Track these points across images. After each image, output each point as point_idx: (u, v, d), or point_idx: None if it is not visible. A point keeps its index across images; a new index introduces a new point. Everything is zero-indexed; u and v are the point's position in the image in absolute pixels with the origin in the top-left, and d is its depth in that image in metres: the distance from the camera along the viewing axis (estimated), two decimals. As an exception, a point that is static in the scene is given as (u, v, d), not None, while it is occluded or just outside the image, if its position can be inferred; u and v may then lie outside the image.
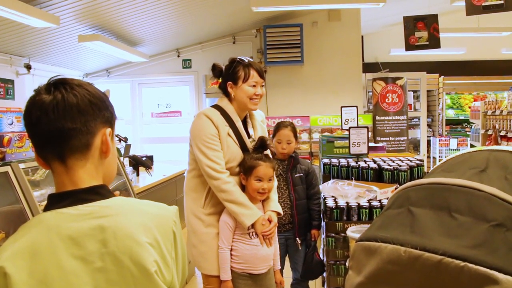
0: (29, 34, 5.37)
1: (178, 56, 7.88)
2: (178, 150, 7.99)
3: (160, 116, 8.24)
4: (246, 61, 2.60)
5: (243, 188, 2.60)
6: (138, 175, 3.54)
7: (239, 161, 2.58)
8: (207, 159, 2.48)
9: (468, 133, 10.23)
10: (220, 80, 2.65)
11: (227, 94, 2.62)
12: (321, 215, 3.39)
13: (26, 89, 6.32)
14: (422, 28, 5.52)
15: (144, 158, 3.85)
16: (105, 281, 1.01)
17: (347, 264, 2.83)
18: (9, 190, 2.08)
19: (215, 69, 2.65)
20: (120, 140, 5.29)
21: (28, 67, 6.25)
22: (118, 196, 1.13)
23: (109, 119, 1.14)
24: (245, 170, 2.55)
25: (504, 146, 1.51)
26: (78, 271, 0.99)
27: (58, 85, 1.06)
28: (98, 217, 1.03)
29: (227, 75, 2.60)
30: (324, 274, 3.37)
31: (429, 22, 5.49)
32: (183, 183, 4.80)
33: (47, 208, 1.07)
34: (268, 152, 2.63)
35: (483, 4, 3.93)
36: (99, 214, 1.04)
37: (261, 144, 2.60)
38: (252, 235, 2.55)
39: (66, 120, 1.04)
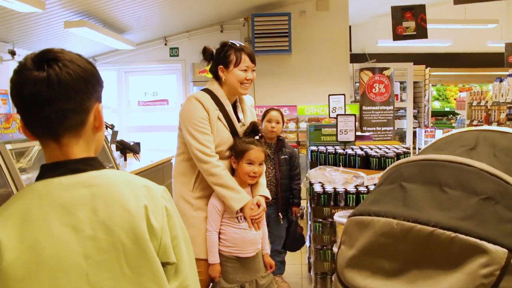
0: (14, 19, 5.27)
1: (166, 44, 7.82)
2: (165, 138, 7.95)
3: (147, 105, 8.18)
4: (238, 45, 2.59)
5: (233, 172, 2.61)
6: (125, 160, 3.52)
7: (229, 145, 2.58)
8: (197, 143, 2.47)
9: (453, 124, 10.35)
10: (211, 64, 2.63)
11: (217, 78, 2.61)
12: (309, 200, 3.46)
13: (10, 75, 6.21)
14: (409, 18, 5.55)
15: (132, 143, 3.82)
16: (95, 249, 1.00)
17: (334, 249, 2.85)
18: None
19: (206, 52, 2.63)
20: (106, 127, 5.25)
21: (13, 53, 6.14)
22: (109, 169, 1.12)
23: (100, 93, 1.13)
24: (236, 154, 2.56)
25: (493, 126, 1.54)
26: (68, 239, 0.99)
27: (50, 61, 1.02)
28: (89, 185, 1.04)
29: (218, 59, 2.59)
30: (307, 243, 3.71)
31: (417, 12, 5.52)
32: (170, 169, 4.79)
33: (39, 178, 1.06)
34: (257, 137, 2.64)
35: (471, -7, 3.96)
36: (90, 183, 1.04)
37: (253, 129, 2.62)
38: (241, 219, 2.56)
39: (62, 100, 1.02)
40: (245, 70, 2.56)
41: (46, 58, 1.03)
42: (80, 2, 5.20)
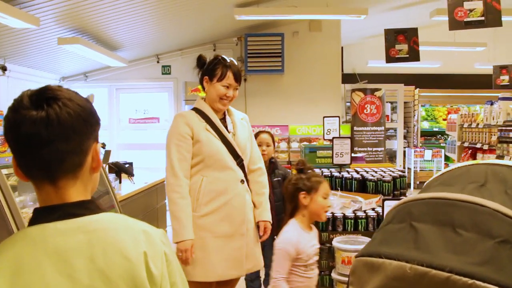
0: (6, 34, 5.24)
1: (158, 62, 7.82)
2: (155, 157, 7.89)
3: (138, 122, 8.14)
4: (228, 61, 2.65)
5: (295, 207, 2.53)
6: (120, 182, 3.48)
7: (225, 154, 2.60)
8: (173, 158, 2.52)
9: (442, 144, 10.45)
10: (200, 73, 2.71)
11: (203, 88, 2.70)
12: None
13: (1, 91, 6.15)
14: (402, 41, 5.61)
15: (127, 165, 3.79)
16: None
17: (332, 275, 2.83)
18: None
19: (200, 60, 2.71)
20: (98, 145, 5.20)
21: (4, 68, 6.09)
22: (106, 212, 1.06)
23: (98, 132, 1.08)
24: (307, 189, 2.42)
25: (501, 160, 1.53)
26: None
27: (49, 100, 0.97)
28: (86, 231, 0.98)
29: (206, 70, 2.66)
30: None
31: (409, 35, 5.59)
32: (163, 191, 4.75)
33: (32, 222, 1.00)
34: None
35: (465, 20, 4.02)
36: (88, 228, 0.98)
37: (303, 165, 2.61)
38: (309, 267, 2.43)
39: (61, 141, 0.97)
40: (227, 87, 2.61)
41: (45, 97, 0.97)
42: (74, 19, 5.19)
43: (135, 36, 6.60)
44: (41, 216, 1.00)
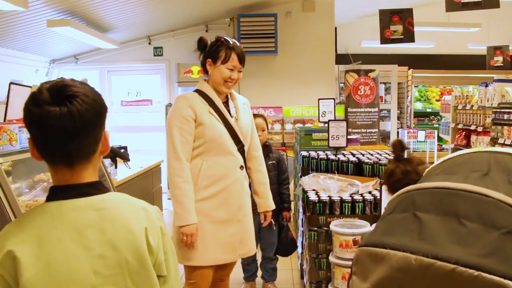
0: (-6, 17, 5.13)
1: (149, 43, 7.71)
2: (149, 139, 7.86)
3: (130, 105, 8.06)
4: (231, 43, 2.60)
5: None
6: (116, 167, 3.45)
7: (227, 138, 2.57)
8: (176, 141, 2.49)
9: (435, 125, 10.47)
10: (202, 56, 2.66)
11: (205, 70, 2.66)
12: (303, 208, 3.43)
13: (-11, 75, 6.05)
14: (397, 22, 5.57)
15: (122, 151, 3.75)
16: (103, 266, 1.12)
17: (330, 258, 2.84)
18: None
19: (201, 42, 2.65)
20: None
21: (-8, 51, 5.98)
22: (111, 192, 1.24)
23: (105, 121, 1.23)
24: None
25: (502, 148, 1.52)
26: (80, 257, 1.11)
27: (70, 98, 1.10)
28: (97, 209, 1.15)
29: (209, 52, 2.61)
30: (299, 250, 3.77)
31: (404, 16, 5.55)
32: (159, 175, 4.74)
33: (50, 199, 1.16)
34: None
35: (462, 1, 3.99)
36: (99, 206, 1.15)
37: (401, 146, 2.46)
38: None
39: (82, 135, 1.13)
40: (232, 69, 2.57)
41: (65, 94, 1.11)
42: (63, 0, 5.08)
43: (126, 17, 6.48)
44: (58, 193, 1.16)
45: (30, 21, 5.50)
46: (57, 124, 1.09)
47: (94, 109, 1.14)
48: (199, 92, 2.62)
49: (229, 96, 2.73)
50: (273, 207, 2.90)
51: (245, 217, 2.70)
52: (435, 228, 1.16)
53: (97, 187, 1.20)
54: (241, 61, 2.61)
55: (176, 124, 2.50)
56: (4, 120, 2.70)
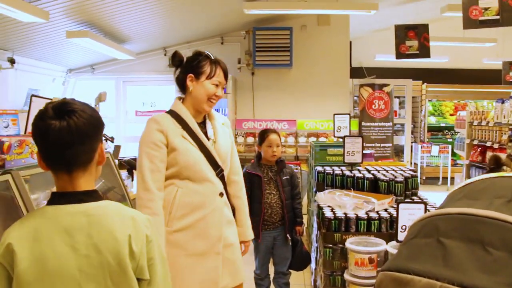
0: (15, 27, 5.22)
1: (165, 54, 7.79)
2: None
3: (145, 115, 8.12)
4: (213, 57, 2.41)
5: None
6: (132, 179, 3.47)
7: (203, 164, 2.34)
8: (144, 170, 2.25)
9: (449, 140, 10.41)
10: (178, 71, 2.43)
11: (183, 88, 2.41)
12: (318, 224, 3.43)
13: (8, 84, 6.15)
14: (412, 37, 5.58)
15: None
16: (88, 265, 1.27)
17: (345, 276, 2.83)
18: (8, 199, 2.01)
19: (176, 57, 2.43)
20: (106, 139, 5.19)
21: (12, 61, 6.07)
22: (105, 200, 1.38)
23: (102, 134, 1.41)
24: None
25: (527, 173, 1.51)
26: (68, 255, 1.26)
27: (69, 113, 1.28)
28: (87, 215, 1.30)
29: (189, 67, 2.37)
30: (313, 266, 3.74)
31: (420, 31, 5.55)
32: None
33: (49, 203, 1.33)
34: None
35: (479, 18, 3.98)
36: (89, 212, 1.30)
37: (497, 163, 2.36)
38: None
39: (78, 144, 1.30)
40: (217, 85, 2.37)
41: (66, 110, 1.29)
42: (82, 12, 5.17)
43: (143, 29, 6.57)
44: (57, 199, 1.33)
45: (49, 32, 5.60)
46: (57, 135, 1.26)
47: (91, 123, 1.31)
48: (172, 113, 2.37)
49: (207, 116, 2.50)
50: (252, 236, 2.69)
51: (227, 248, 2.44)
52: (460, 255, 1.15)
53: (92, 195, 1.35)
54: (226, 77, 2.43)
55: (146, 150, 2.27)
56: (25, 132, 2.74)
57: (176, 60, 2.43)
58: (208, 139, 2.41)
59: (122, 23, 5.97)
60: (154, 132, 2.28)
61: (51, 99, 2.98)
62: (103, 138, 5.11)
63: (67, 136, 1.27)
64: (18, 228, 1.28)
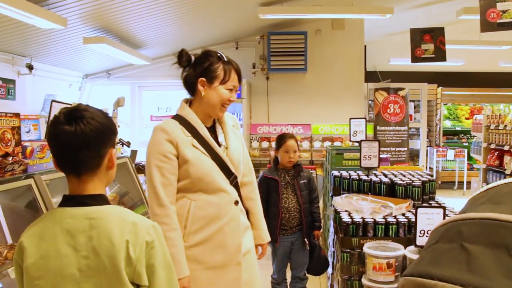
0: (33, 34, 5.31)
1: (180, 59, 7.82)
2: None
3: (160, 120, 8.16)
4: (226, 59, 2.23)
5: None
6: (150, 184, 3.50)
7: (217, 174, 2.21)
8: (156, 183, 2.11)
9: (464, 144, 10.31)
10: (186, 73, 2.27)
11: (192, 91, 2.25)
12: (335, 229, 3.42)
13: (26, 90, 6.24)
14: (428, 41, 5.56)
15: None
16: (86, 266, 1.34)
17: (362, 281, 2.82)
18: (31, 202, 2.04)
19: (183, 56, 2.24)
20: (122, 144, 5.23)
21: (30, 67, 6.17)
22: (110, 205, 1.42)
23: (114, 141, 1.46)
24: None
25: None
26: (69, 255, 1.33)
27: (77, 119, 1.34)
28: (90, 218, 1.35)
29: (201, 70, 2.19)
30: (329, 270, 3.71)
31: (436, 34, 5.53)
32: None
33: (59, 205, 1.41)
34: None
35: (497, 21, 3.95)
36: (91, 216, 1.36)
37: None
38: None
39: (85, 149, 1.35)
40: (231, 90, 2.22)
41: (75, 116, 1.35)
42: (99, 18, 5.24)
43: (158, 35, 6.63)
44: (65, 201, 1.40)
45: (67, 38, 5.67)
46: (65, 139, 1.34)
47: (98, 130, 1.37)
48: (179, 118, 2.21)
49: (216, 119, 2.35)
50: (269, 239, 2.58)
51: (246, 256, 2.33)
52: (484, 260, 1.14)
53: (97, 199, 1.40)
54: (240, 79, 2.27)
55: (155, 163, 2.12)
56: (45, 137, 2.78)
57: (183, 60, 2.25)
58: (220, 145, 2.28)
59: (138, 29, 6.03)
60: (163, 143, 2.13)
61: (70, 104, 3.02)
62: (120, 143, 5.17)
63: (73, 140, 1.33)
64: (31, 227, 1.38)
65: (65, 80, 7.40)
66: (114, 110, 4.98)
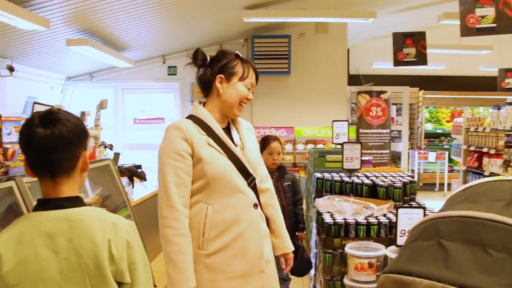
0: (15, 35, 5.25)
1: (164, 62, 7.82)
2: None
3: (143, 123, 8.15)
4: (243, 57, 2.23)
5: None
6: (133, 187, 3.50)
7: (234, 174, 2.11)
8: (168, 182, 2.00)
9: (445, 146, 10.46)
10: (202, 72, 2.20)
11: (208, 90, 2.20)
12: (318, 230, 3.45)
13: (7, 92, 6.16)
14: (410, 45, 5.64)
15: (139, 170, 3.80)
16: (68, 268, 1.33)
17: (344, 281, 2.84)
18: (12, 205, 2.02)
19: (198, 55, 2.17)
20: (105, 147, 5.21)
21: (11, 69, 6.09)
22: (87, 206, 1.44)
23: (86, 143, 1.47)
24: None
25: (525, 177, 1.53)
26: (49, 258, 1.32)
27: (53, 121, 1.36)
28: (69, 220, 1.35)
29: (219, 67, 2.15)
30: (312, 271, 3.76)
31: (417, 39, 5.62)
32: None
33: (34, 209, 1.40)
34: None
35: (476, 26, 4.04)
36: (70, 218, 1.36)
37: None
38: None
39: (61, 150, 1.37)
40: (249, 88, 2.18)
41: (51, 118, 1.36)
42: (82, 20, 5.20)
43: (142, 37, 6.61)
44: (40, 205, 1.39)
45: (49, 40, 5.62)
46: (41, 142, 1.34)
47: (73, 131, 1.39)
48: (193, 118, 2.13)
49: (230, 121, 2.28)
50: (292, 248, 2.47)
51: (268, 265, 2.23)
52: (460, 256, 1.17)
53: (74, 201, 1.41)
54: (257, 78, 2.25)
55: (169, 162, 2.01)
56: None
57: (199, 59, 2.17)
58: (235, 145, 2.18)
59: (121, 31, 6.01)
60: (177, 141, 2.03)
61: (53, 106, 3.01)
62: (103, 146, 5.14)
63: (50, 142, 1.34)
64: (5, 233, 1.35)
65: (47, 83, 7.33)
66: (97, 113, 4.95)
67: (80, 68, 7.58)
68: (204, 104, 2.22)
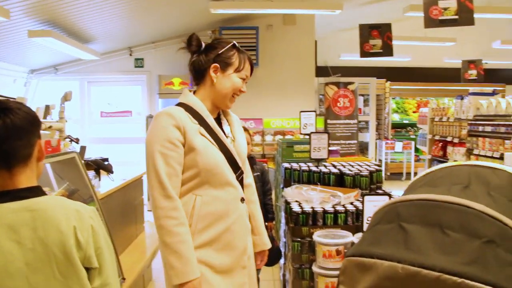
0: (-26, 27, 5.09)
1: (131, 55, 7.72)
2: (127, 151, 7.82)
3: (110, 116, 8.03)
4: (240, 48, 2.13)
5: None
6: (100, 179, 3.44)
7: (225, 166, 2.04)
8: (160, 172, 1.92)
9: (412, 136, 10.68)
10: (195, 58, 2.08)
11: (201, 78, 2.10)
12: (286, 219, 3.47)
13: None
14: (376, 36, 5.72)
15: (106, 163, 3.75)
16: (34, 259, 1.32)
17: (313, 268, 2.88)
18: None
19: (193, 41, 2.06)
20: (71, 140, 5.11)
21: (-29, 61, 5.91)
22: (48, 195, 1.42)
23: (39, 132, 1.45)
24: None
25: (482, 162, 1.58)
26: (13, 251, 1.30)
27: (4, 110, 1.34)
28: (31, 210, 1.33)
29: (215, 55, 2.04)
30: (282, 260, 3.77)
31: (383, 30, 5.70)
32: (140, 187, 4.73)
33: None
34: None
35: (439, 18, 4.12)
36: (32, 208, 1.34)
37: None
38: None
39: (15, 139, 1.35)
40: (243, 80, 2.10)
41: (1, 108, 1.35)
42: (45, 11, 5.08)
43: (107, 29, 6.49)
44: None
45: (10, 31, 5.47)
46: None
47: (26, 119, 1.37)
48: (184, 106, 2.04)
49: (221, 112, 2.21)
50: (270, 245, 2.40)
51: (250, 260, 2.19)
52: (420, 238, 1.20)
53: (34, 191, 1.39)
54: (252, 70, 2.17)
55: (160, 150, 1.93)
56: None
57: (193, 45, 2.06)
58: (226, 136, 2.12)
59: (86, 22, 5.89)
60: (170, 128, 1.93)
61: (14, 99, 2.93)
62: (69, 139, 5.05)
63: (4, 132, 1.32)
64: None
65: (9, 76, 7.12)
66: (61, 105, 4.85)
67: (43, 60, 7.40)
68: (194, 92, 2.14)
